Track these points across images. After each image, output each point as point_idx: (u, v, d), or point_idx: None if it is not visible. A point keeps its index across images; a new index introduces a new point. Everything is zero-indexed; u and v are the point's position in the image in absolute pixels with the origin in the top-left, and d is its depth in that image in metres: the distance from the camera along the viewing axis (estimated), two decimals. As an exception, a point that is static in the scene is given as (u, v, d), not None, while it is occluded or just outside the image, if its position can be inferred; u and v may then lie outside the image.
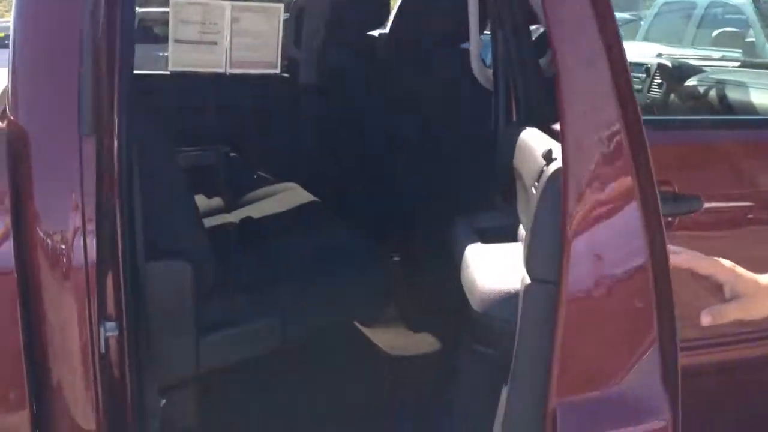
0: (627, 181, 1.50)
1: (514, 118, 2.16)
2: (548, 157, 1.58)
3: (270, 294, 2.36)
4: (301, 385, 2.52)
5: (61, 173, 1.67)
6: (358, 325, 2.92)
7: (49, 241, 1.66)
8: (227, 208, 3.13)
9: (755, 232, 2.25)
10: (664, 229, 1.50)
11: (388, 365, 2.75)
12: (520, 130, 1.92)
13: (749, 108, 3.11)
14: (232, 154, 3.40)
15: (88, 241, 1.68)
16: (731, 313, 1.48)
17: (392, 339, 2.89)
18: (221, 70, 3.86)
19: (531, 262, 1.56)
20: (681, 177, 2.22)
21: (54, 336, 1.69)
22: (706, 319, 1.48)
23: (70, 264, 1.67)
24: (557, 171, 1.52)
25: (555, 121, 1.96)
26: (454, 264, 2.00)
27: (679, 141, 2.34)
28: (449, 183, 2.75)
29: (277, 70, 4.00)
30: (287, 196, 3.17)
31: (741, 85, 3.30)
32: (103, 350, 1.75)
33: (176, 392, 2.12)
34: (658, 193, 1.50)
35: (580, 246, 1.48)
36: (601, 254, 1.50)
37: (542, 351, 1.52)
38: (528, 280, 1.56)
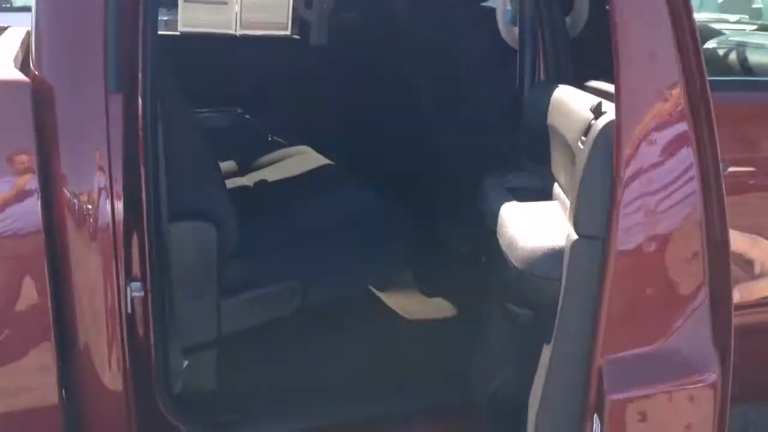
0: (683, 135, 1.47)
1: (542, 77, 2.12)
2: (597, 110, 1.55)
3: (290, 257, 2.34)
4: (318, 348, 2.51)
5: (88, 130, 1.64)
6: (374, 290, 2.90)
7: (75, 200, 1.64)
8: (241, 171, 3.10)
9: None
10: (723, 187, 1.48)
11: (407, 329, 2.74)
12: (553, 89, 1.89)
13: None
14: (246, 116, 3.36)
15: (115, 200, 1.66)
16: (761, 290, 1.47)
17: (410, 303, 2.88)
18: (232, 31, 3.82)
19: (578, 218, 1.53)
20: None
21: (81, 296, 1.67)
22: (735, 296, 1.47)
23: (98, 224, 1.65)
24: (609, 124, 1.49)
25: (588, 79, 1.94)
26: (483, 224, 1.98)
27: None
28: (469, 143, 2.72)
29: (288, 32, 3.95)
30: (301, 159, 3.14)
31: (762, 48, 3.26)
32: (129, 311, 1.73)
33: (198, 354, 2.10)
34: (718, 147, 1.48)
35: (630, 200, 1.46)
36: (652, 209, 1.48)
37: (588, 308, 1.50)
38: (575, 237, 1.53)
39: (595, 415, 1.52)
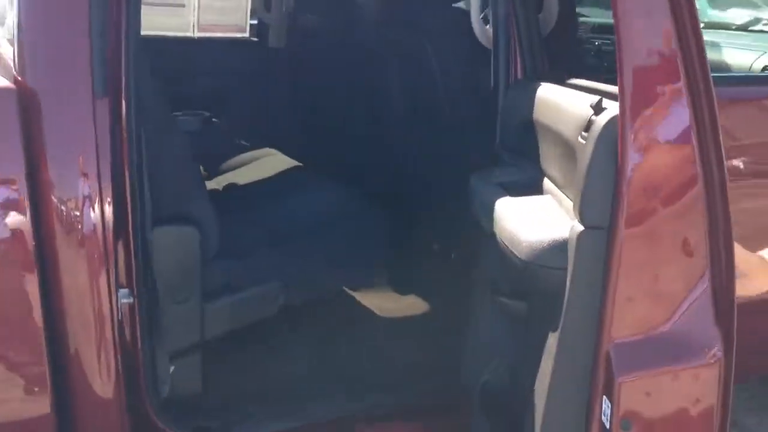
0: (685, 130, 1.54)
1: (519, 75, 2.17)
2: (598, 107, 1.60)
3: (269, 258, 2.34)
4: (300, 348, 2.53)
5: (75, 136, 1.63)
6: (352, 288, 2.92)
7: (64, 208, 1.62)
8: (208, 176, 3.08)
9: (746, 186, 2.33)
10: (726, 176, 1.55)
11: (385, 327, 2.77)
12: (535, 87, 1.94)
13: (723, 66, 3.19)
14: (213, 120, 3.34)
15: (105, 207, 1.65)
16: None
17: (386, 301, 2.91)
18: (189, 34, 3.79)
19: (584, 210, 1.58)
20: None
21: (71, 305, 1.66)
22: None
23: (88, 231, 1.64)
24: (612, 120, 1.55)
25: (566, 76, 1.99)
26: (471, 219, 2.02)
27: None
28: (439, 141, 2.76)
29: (246, 34, 3.94)
30: (268, 161, 3.13)
31: (713, 45, 3.37)
32: (119, 318, 1.72)
33: (183, 358, 2.10)
34: (721, 140, 1.54)
35: (635, 192, 1.52)
36: (655, 200, 1.54)
37: (594, 295, 1.56)
38: (580, 228, 1.59)
39: (605, 398, 1.58)
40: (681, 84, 1.53)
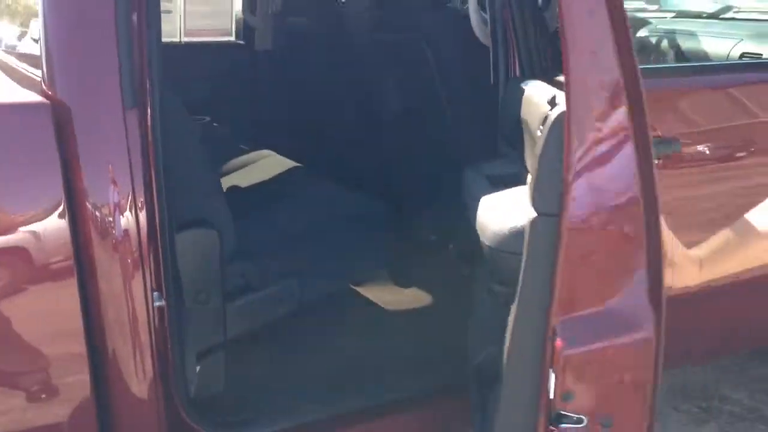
0: (624, 124, 1.68)
1: (517, 73, 2.25)
2: (552, 102, 1.75)
3: (284, 258, 2.41)
4: (316, 344, 2.59)
5: (108, 146, 1.68)
6: (361, 284, 2.99)
7: (99, 214, 1.67)
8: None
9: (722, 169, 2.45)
10: (654, 167, 1.70)
11: (396, 321, 2.84)
12: (527, 84, 2.05)
13: (702, 55, 3.31)
14: (214, 124, 3.39)
15: (138, 213, 1.70)
16: None
17: (391, 295, 2.98)
18: (176, 39, 3.83)
19: (536, 198, 1.74)
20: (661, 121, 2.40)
21: (109, 309, 1.71)
22: None
23: (124, 236, 1.69)
24: (561, 114, 1.69)
25: (559, 74, 2.08)
26: (464, 211, 2.12)
27: (657, 88, 2.50)
28: (434, 137, 2.84)
29: (232, 38, 3.99)
30: (267, 163, 3.19)
31: (691, 34, 3.49)
32: (155, 321, 1.78)
33: (207, 358, 2.15)
34: (650, 134, 1.69)
35: (580, 181, 1.67)
36: (598, 188, 1.69)
37: (546, 276, 1.70)
38: (533, 214, 1.73)
39: (551, 370, 1.73)
40: (618, 79, 1.67)
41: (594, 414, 1.76)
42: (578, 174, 1.67)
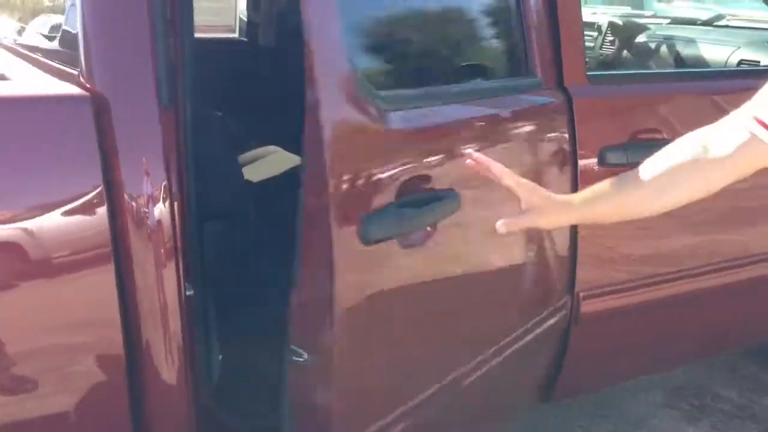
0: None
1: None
2: None
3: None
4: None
5: (145, 139, 1.72)
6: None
7: (136, 206, 1.70)
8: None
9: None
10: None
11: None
12: None
13: (701, 61, 3.40)
14: (226, 120, 3.42)
15: (173, 205, 1.75)
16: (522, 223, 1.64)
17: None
18: (180, 35, 3.85)
19: None
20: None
21: (144, 297, 1.74)
22: (501, 228, 1.58)
23: (159, 227, 1.73)
24: None
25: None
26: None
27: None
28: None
29: (236, 34, 4.03)
30: (275, 158, 3.23)
31: (689, 40, 3.58)
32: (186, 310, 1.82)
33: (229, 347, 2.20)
34: None
35: None
36: None
37: None
38: None
39: None
40: None
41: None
42: None
